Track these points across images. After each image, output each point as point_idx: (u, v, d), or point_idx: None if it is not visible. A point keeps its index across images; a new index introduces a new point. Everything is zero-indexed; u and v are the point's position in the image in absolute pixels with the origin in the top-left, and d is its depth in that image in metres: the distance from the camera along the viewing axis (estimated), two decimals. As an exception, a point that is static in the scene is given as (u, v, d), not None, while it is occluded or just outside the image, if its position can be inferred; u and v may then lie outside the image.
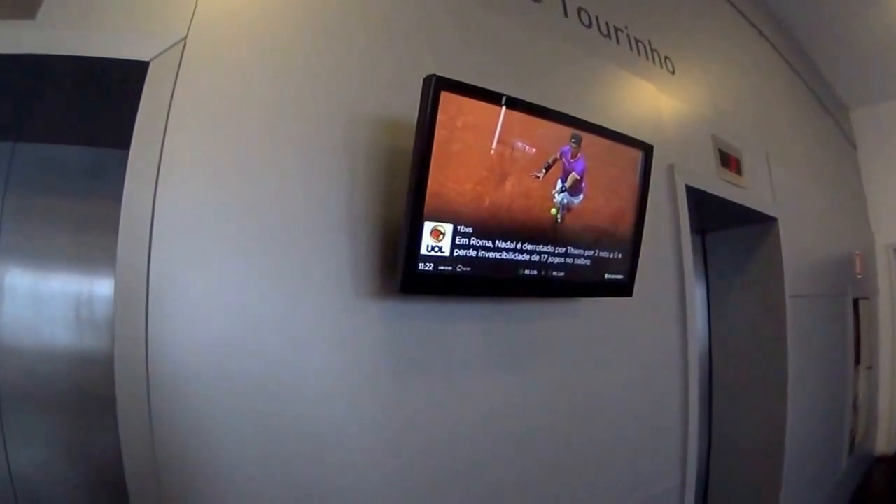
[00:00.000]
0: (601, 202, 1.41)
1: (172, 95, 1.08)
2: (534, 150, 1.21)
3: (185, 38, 1.10)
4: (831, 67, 4.12)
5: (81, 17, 1.09)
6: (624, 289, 1.54)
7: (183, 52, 1.10)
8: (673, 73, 2.37)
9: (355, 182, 1.22)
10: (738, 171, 2.46)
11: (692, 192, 2.18)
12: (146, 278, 1.02)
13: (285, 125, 1.18)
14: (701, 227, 2.83)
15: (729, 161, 2.41)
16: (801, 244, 2.77)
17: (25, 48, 1.06)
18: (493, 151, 1.15)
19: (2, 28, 1.05)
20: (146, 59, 1.07)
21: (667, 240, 2.08)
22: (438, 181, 1.08)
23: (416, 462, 1.26)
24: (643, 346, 1.89)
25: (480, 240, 1.17)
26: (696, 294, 2.66)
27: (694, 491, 1.93)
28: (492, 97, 1.14)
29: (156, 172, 1.06)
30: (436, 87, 1.06)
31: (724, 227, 2.71)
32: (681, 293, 2.03)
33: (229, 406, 1.08)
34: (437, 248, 1.11)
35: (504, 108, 1.15)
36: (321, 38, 1.25)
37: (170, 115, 1.08)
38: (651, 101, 2.15)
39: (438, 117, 1.06)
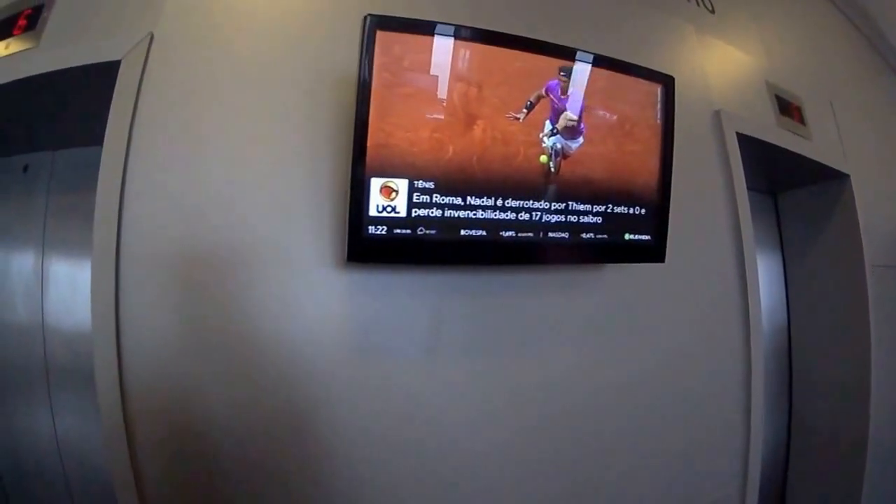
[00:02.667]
0: (611, 146, 1.06)
1: (140, 87, 1.02)
2: (508, 86, 0.92)
3: (153, 32, 1.04)
4: (889, 20, 3.13)
5: (75, 33, 1.08)
6: (652, 252, 1.17)
7: (150, 45, 1.04)
8: (713, 11, 1.86)
9: (316, 147, 1.04)
10: (801, 121, 1.88)
11: (748, 143, 1.70)
12: (115, 261, 0.96)
13: (248, 97, 1.05)
14: (771, 187, 2.24)
15: (790, 109, 1.85)
16: (878, 206, 2.10)
17: (33, 70, 1.07)
18: (453, 92, 0.89)
19: (16, 60, 1.08)
20: (118, 58, 1.03)
21: (718, 197, 1.62)
22: (384, 130, 0.85)
23: (377, 461, 1.06)
24: (691, 327, 1.47)
25: (446, 196, 0.91)
26: (769, 261, 2.11)
27: (756, 498, 1.47)
28: (438, 30, 0.87)
29: (124, 160, 1.01)
30: (371, 26, 0.83)
31: (795, 185, 2.12)
32: (739, 261, 1.56)
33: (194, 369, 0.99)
34: (389, 208, 0.88)
35: (455, 40, 0.88)
36: (283, 10, 1.09)
37: (138, 104, 1.02)
38: (685, 39, 1.68)
39: (379, 59, 0.84)
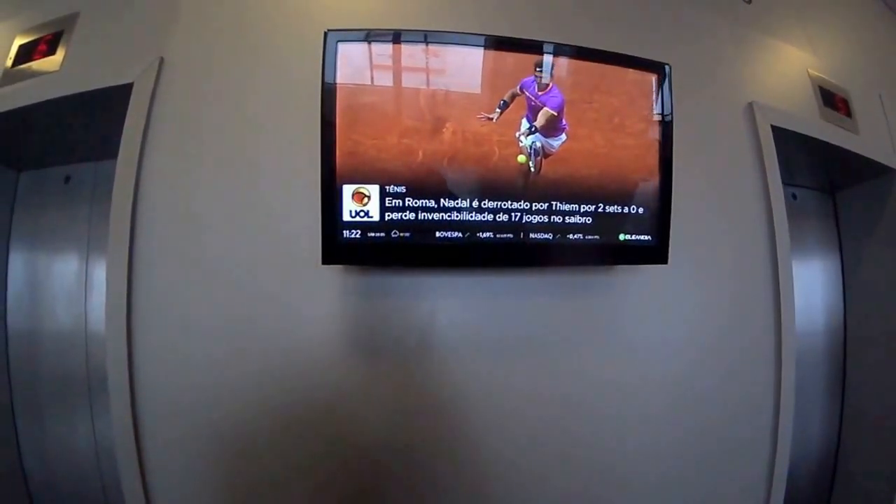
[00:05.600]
0: (599, 142, 1.02)
1: (151, 106, 1.14)
2: (477, 87, 0.92)
3: (162, 56, 1.16)
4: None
5: (92, 57, 1.22)
6: (653, 253, 1.10)
7: (160, 67, 1.16)
8: (749, 2, 1.75)
9: (311, 157, 1.08)
10: (848, 113, 1.72)
11: (793, 138, 1.57)
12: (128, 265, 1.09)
13: (249, 113, 1.14)
14: (828, 185, 2.04)
15: (834, 101, 1.69)
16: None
17: (56, 93, 1.20)
18: (418, 97, 0.91)
19: (39, 82, 1.21)
20: (130, 81, 1.16)
21: (752, 194, 1.49)
22: (352, 139, 0.89)
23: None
24: (717, 332, 1.34)
25: (419, 200, 0.93)
26: (825, 260, 1.94)
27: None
28: (396, 38, 0.91)
29: (136, 173, 1.13)
30: (332, 41, 0.89)
31: (850, 182, 1.92)
32: (773, 262, 1.41)
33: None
34: (363, 214, 0.91)
35: (415, 45, 0.90)
36: (282, 34, 1.18)
37: (150, 121, 1.15)
38: (714, 31, 1.59)
39: (343, 71, 0.89)
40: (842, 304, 1.88)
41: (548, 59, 0.97)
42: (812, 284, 1.90)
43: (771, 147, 1.52)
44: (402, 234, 0.92)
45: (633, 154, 1.05)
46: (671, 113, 1.07)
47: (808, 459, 1.80)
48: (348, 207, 0.90)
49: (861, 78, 1.85)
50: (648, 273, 1.26)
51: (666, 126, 1.07)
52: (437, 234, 0.94)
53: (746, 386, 1.34)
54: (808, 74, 1.75)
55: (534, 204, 0.98)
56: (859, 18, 2.06)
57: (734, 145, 1.51)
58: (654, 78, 1.05)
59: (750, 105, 1.54)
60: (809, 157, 1.76)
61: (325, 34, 0.88)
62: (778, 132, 1.54)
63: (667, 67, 1.06)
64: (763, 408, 1.35)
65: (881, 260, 1.76)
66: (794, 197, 2.01)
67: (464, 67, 0.92)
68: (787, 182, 1.98)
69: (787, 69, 1.72)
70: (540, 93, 0.96)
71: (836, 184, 2.03)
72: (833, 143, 1.62)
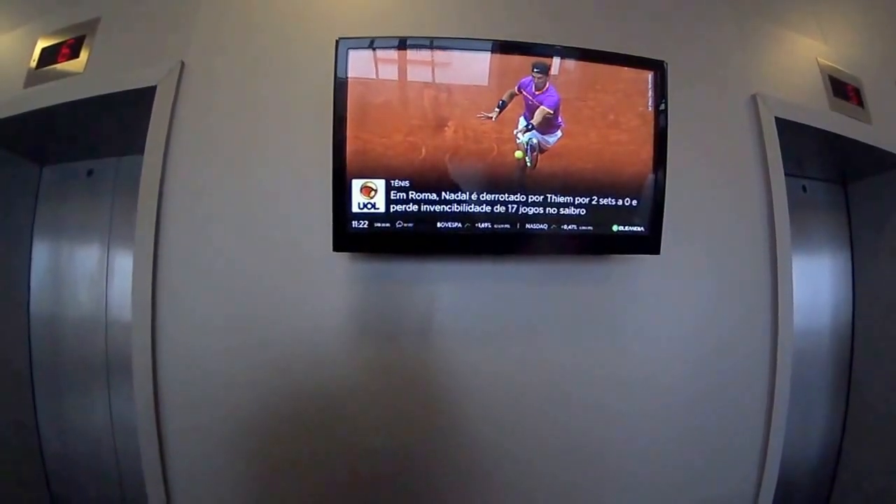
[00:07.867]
0: (593, 138, 1.11)
1: (174, 108, 1.26)
2: (478, 88, 1.02)
3: (183, 60, 1.28)
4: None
5: (115, 61, 1.34)
6: (645, 244, 1.19)
7: (181, 71, 1.27)
8: None
9: (324, 153, 1.16)
10: (860, 103, 1.74)
11: (801, 129, 1.61)
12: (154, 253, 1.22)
13: (267, 113, 1.25)
14: (840, 176, 2.08)
15: (845, 90, 1.72)
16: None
17: (80, 95, 1.31)
18: (422, 98, 1.01)
19: (62, 84, 1.32)
20: (154, 84, 1.27)
21: (754, 188, 1.54)
22: (361, 137, 1.00)
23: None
24: (708, 328, 1.42)
25: (421, 193, 1.04)
26: (833, 253, 1.99)
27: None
28: (402, 45, 1.01)
29: (161, 171, 1.25)
30: (343, 48, 1.00)
31: (863, 174, 1.96)
32: (772, 258, 1.47)
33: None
34: (370, 206, 1.02)
35: (420, 51, 1.01)
36: (296, 37, 1.28)
37: (173, 122, 1.27)
38: (716, 23, 1.63)
39: (353, 76, 1.00)
40: (851, 300, 1.92)
41: (544, 60, 1.06)
42: (821, 279, 1.94)
43: (774, 139, 1.56)
44: (406, 225, 1.03)
45: (627, 149, 1.14)
46: (666, 108, 1.15)
47: (808, 459, 1.85)
48: (357, 200, 1.01)
49: (873, 66, 1.86)
50: (646, 264, 1.34)
51: (661, 121, 1.15)
52: (439, 224, 1.05)
53: (741, 379, 1.42)
54: (818, 63, 1.78)
55: (530, 196, 1.08)
56: (871, 4, 2.08)
57: (737, 138, 1.55)
58: (650, 75, 1.13)
59: (753, 97, 1.60)
60: (820, 148, 1.79)
61: (337, 42, 0.99)
62: (787, 123, 1.58)
63: (665, 64, 1.14)
64: (756, 405, 1.42)
65: (893, 254, 1.79)
66: (804, 189, 2.06)
67: (465, 70, 1.02)
68: (797, 174, 2.03)
69: (796, 58, 1.74)
70: (537, 92, 1.06)
71: (848, 175, 2.05)
72: (843, 134, 1.65)
